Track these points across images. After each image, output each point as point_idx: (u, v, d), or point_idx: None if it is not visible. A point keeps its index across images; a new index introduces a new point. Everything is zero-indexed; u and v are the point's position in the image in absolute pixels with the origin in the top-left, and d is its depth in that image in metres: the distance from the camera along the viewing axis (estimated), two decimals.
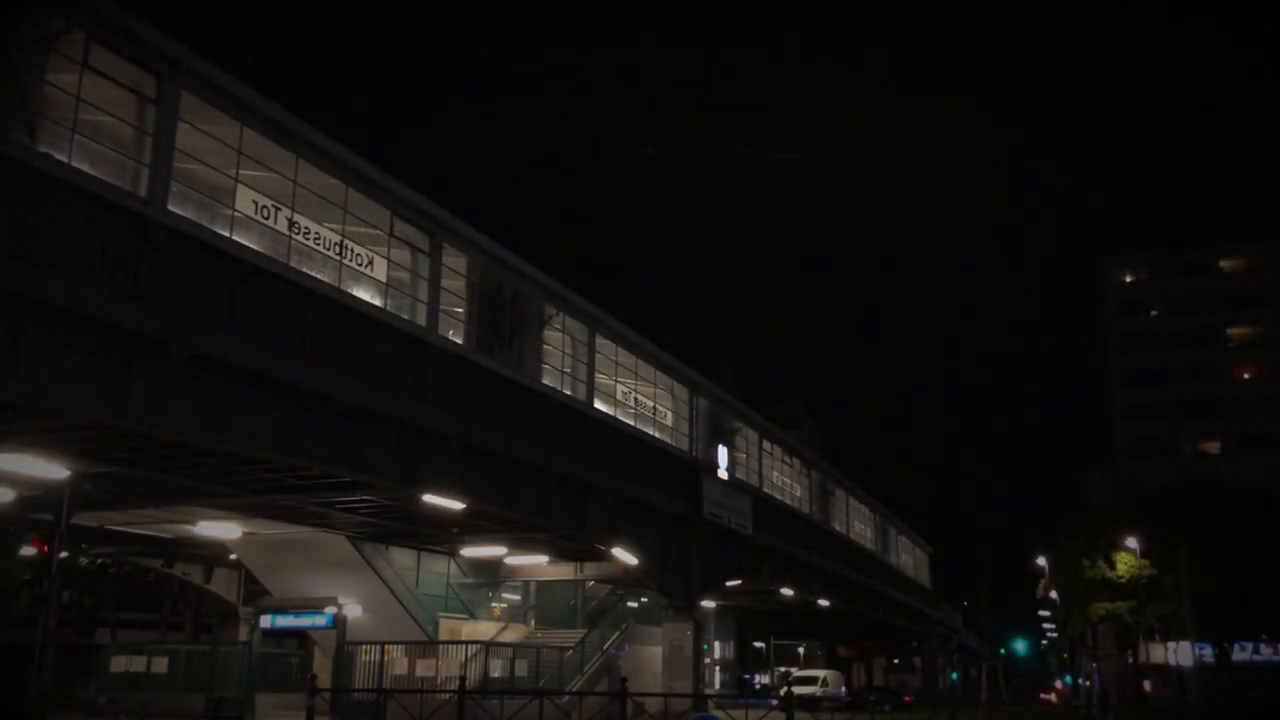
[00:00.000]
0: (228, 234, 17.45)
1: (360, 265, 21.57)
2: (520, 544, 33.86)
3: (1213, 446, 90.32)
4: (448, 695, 23.86)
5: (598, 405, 28.90)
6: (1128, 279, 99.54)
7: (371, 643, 32.16)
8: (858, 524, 59.76)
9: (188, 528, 30.81)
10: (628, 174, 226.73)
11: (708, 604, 43.47)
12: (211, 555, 38.77)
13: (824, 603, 51.75)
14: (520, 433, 24.14)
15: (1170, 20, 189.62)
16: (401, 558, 34.96)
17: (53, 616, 18.67)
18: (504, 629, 38.63)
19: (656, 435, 32.99)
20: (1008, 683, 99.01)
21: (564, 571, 38.08)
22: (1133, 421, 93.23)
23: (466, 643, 31.82)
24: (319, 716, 23.79)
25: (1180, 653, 50.29)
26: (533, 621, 41.34)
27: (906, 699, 58.46)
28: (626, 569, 34.38)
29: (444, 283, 22.59)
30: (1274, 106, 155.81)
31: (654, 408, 34.11)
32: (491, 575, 39.16)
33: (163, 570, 42.41)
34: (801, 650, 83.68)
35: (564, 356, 28.06)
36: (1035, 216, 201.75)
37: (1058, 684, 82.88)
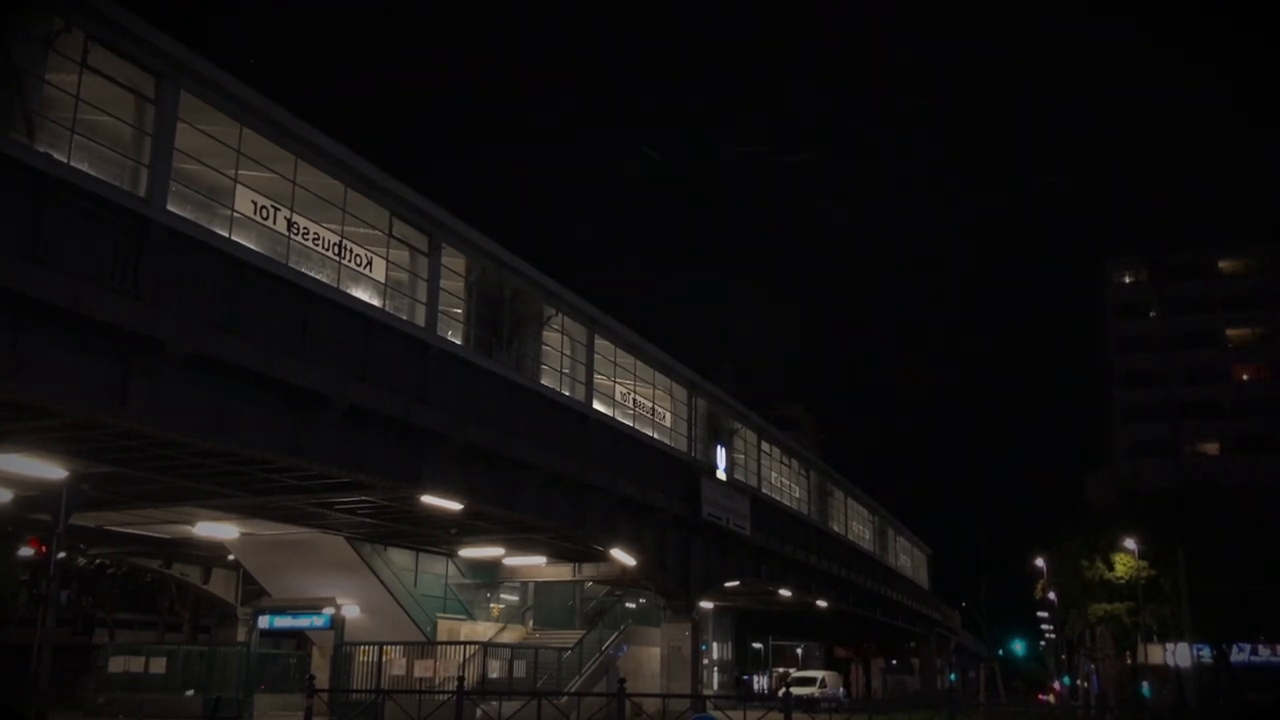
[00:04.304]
0: (227, 234, 17.45)
1: (359, 266, 21.58)
2: (518, 545, 33.84)
3: (1212, 447, 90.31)
4: (446, 696, 23.86)
5: (596, 406, 28.91)
6: (1127, 280, 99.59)
7: (369, 643, 32.16)
8: (856, 525, 59.79)
9: (186, 528, 30.79)
10: (630, 174, 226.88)
11: (706, 605, 43.50)
12: (210, 555, 38.73)
13: (822, 603, 51.78)
14: (519, 433, 24.13)
15: (1170, 21, 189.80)
16: (400, 558, 34.94)
17: (51, 617, 18.58)
18: (502, 630, 38.61)
19: (655, 436, 32.99)
20: (1006, 684, 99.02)
21: (562, 572, 38.06)
22: (1132, 423, 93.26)
23: (465, 643, 31.80)
24: (317, 717, 23.79)
25: (1178, 654, 50.23)
26: (531, 622, 41.33)
27: None
28: (625, 570, 34.37)
29: (443, 283, 22.61)
30: (1274, 108, 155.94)
31: (652, 408, 34.11)
32: (490, 576, 39.14)
33: (161, 570, 42.37)
34: (800, 651, 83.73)
35: (563, 357, 28.06)
36: (1035, 217, 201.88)
37: (1056, 685, 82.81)
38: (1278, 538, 48.39)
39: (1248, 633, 55.48)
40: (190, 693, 32.43)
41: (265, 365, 17.38)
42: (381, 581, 33.60)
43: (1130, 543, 50.26)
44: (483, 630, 37.15)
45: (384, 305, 21.16)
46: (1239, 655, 56.29)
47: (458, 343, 23.54)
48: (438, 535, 32.69)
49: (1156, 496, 56.96)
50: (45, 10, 14.68)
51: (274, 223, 19.17)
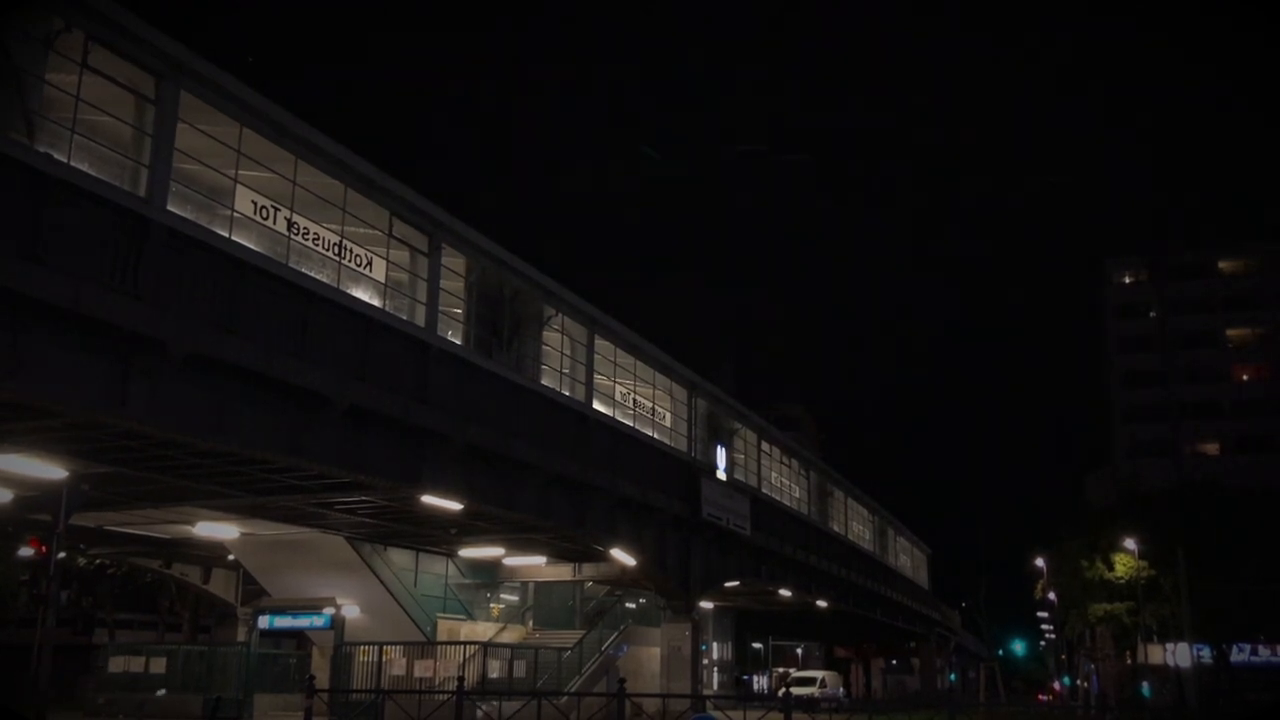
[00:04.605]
0: (227, 234, 17.45)
1: (359, 266, 21.59)
2: (518, 545, 33.84)
3: (1212, 447, 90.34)
4: (446, 696, 23.86)
5: (596, 406, 28.90)
6: (1127, 280, 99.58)
7: (369, 643, 32.15)
8: (856, 525, 59.78)
9: (186, 528, 30.79)
10: (629, 174, 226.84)
11: (706, 605, 43.49)
12: (210, 555, 38.74)
13: (822, 603, 51.77)
14: (519, 433, 24.13)
15: (1169, 20, 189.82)
16: (400, 558, 34.95)
17: (51, 617, 18.58)
18: (502, 630, 38.62)
19: (655, 436, 32.99)
20: (1006, 684, 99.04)
21: (562, 572, 38.07)
22: (1132, 423, 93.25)
23: (465, 643, 31.80)
24: (317, 717, 23.79)
25: (1178, 654, 50.24)
26: (531, 622, 41.33)
27: None
28: (625, 570, 34.37)
29: (443, 283, 22.61)
30: (1273, 106, 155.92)
31: (653, 408, 34.11)
32: (490, 576, 39.15)
33: (161, 570, 42.36)
34: (800, 651, 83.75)
35: (563, 357, 28.05)
36: (1035, 217, 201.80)
37: (1056, 685, 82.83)
38: (1278, 538, 48.39)
39: (1248, 633, 55.50)
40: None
41: (265, 365, 17.38)
42: (381, 581, 33.60)
43: (1130, 543, 50.26)
44: (483, 630, 37.15)
45: (384, 305, 21.16)
46: (1239, 655, 56.30)
47: (458, 343, 23.54)
48: (438, 535, 32.70)
49: (1156, 496, 56.95)
50: (45, 10, 14.68)
51: (274, 223, 19.18)
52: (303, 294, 18.44)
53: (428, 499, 23.14)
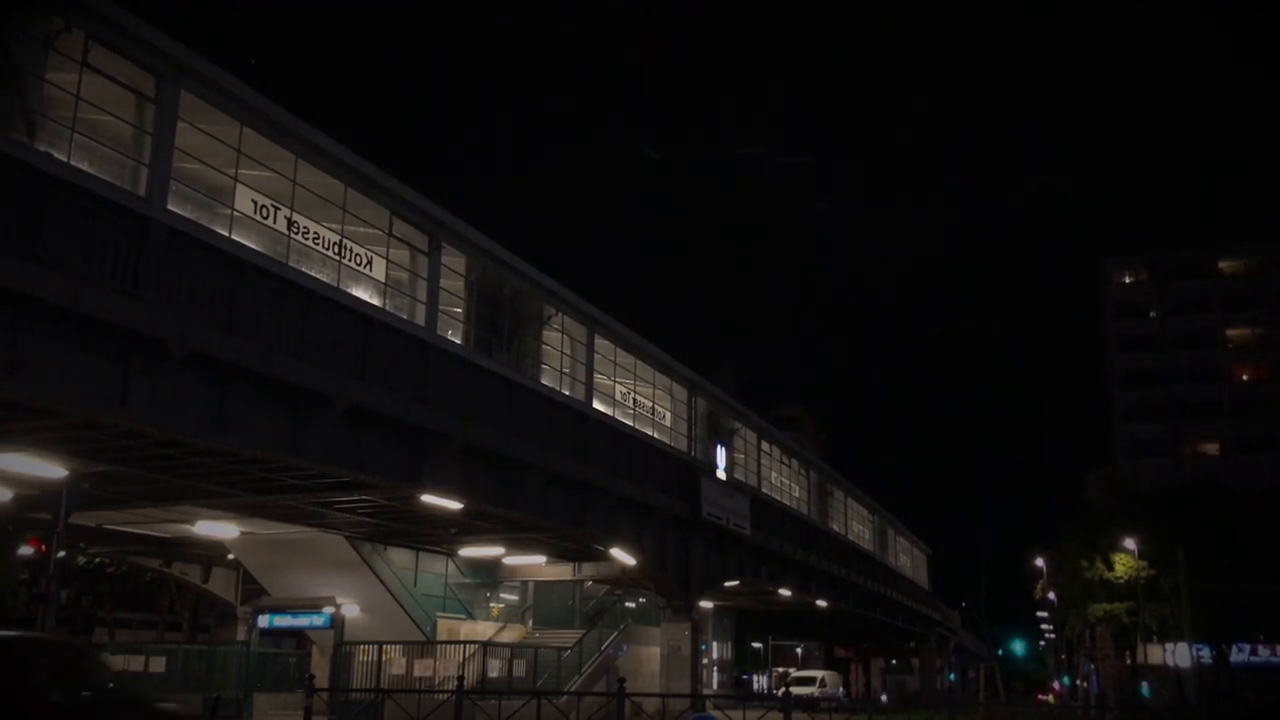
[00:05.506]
0: (227, 233, 17.46)
1: (359, 265, 21.59)
2: (518, 544, 33.85)
3: (1211, 448, 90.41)
4: (445, 695, 23.87)
5: (596, 405, 28.91)
6: (1127, 280, 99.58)
7: (369, 643, 32.13)
8: (856, 525, 59.77)
9: (186, 527, 30.80)
10: (630, 175, 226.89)
11: (706, 604, 43.46)
12: (209, 555, 38.75)
13: (822, 603, 51.75)
14: (519, 433, 24.13)
15: (1168, 20, 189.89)
16: (399, 558, 34.95)
17: (51, 616, 18.59)
18: (502, 629, 38.62)
19: (655, 435, 32.98)
20: (1006, 684, 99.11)
21: (562, 572, 38.07)
22: (1132, 423, 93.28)
23: (464, 643, 31.78)
24: (317, 716, 23.80)
25: (1178, 654, 50.30)
26: (530, 621, 41.32)
27: None
28: (625, 569, 34.38)
29: (443, 282, 22.62)
30: (1273, 107, 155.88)
31: (653, 408, 34.11)
32: (489, 575, 39.15)
33: (161, 570, 42.36)
34: (799, 651, 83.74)
35: (563, 357, 28.06)
36: (1035, 217, 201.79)
37: (1055, 685, 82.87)
38: (1278, 538, 48.44)
39: (1248, 633, 55.60)
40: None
41: (265, 365, 17.38)
42: (381, 581, 33.60)
43: (1130, 543, 50.31)
44: (482, 630, 37.14)
45: (384, 305, 21.16)
46: (1239, 655, 56.42)
47: (458, 342, 23.55)
48: (438, 535, 32.70)
49: (1156, 496, 57.02)
50: (45, 10, 14.69)
51: (274, 222, 19.18)
52: (303, 293, 18.45)
53: (428, 498, 23.14)
